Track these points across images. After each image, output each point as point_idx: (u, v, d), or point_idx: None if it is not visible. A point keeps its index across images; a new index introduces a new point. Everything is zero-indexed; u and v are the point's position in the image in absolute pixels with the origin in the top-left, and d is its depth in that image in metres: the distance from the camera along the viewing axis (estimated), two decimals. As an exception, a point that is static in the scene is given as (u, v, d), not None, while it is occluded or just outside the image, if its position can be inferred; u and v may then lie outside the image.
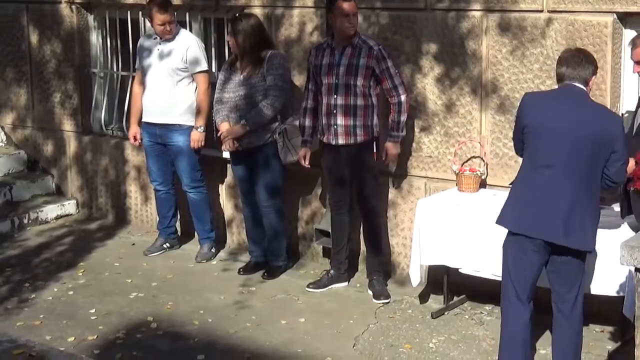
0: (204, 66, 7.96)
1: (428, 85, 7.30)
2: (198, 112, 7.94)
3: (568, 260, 5.48)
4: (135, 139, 8.26)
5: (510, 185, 5.69)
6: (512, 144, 6.92)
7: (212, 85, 7.98)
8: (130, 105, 8.58)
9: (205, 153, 8.26)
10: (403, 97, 7.06)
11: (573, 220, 5.38)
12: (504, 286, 5.60)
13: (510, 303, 5.55)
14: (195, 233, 8.43)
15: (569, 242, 5.40)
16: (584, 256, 5.52)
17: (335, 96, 7.10)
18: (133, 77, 8.59)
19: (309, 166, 7.41)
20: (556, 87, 5.62)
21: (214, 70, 8.45)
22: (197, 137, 7.94)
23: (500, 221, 5.60)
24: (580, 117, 5.35)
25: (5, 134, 10.13)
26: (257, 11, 7.94)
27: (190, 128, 7.94)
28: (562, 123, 5.34)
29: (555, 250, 5.44)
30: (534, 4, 6.75)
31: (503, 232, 6.36)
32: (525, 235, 5.44)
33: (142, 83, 8.14)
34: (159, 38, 7.98)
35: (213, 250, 8.30)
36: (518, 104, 5.62)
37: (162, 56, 7.96)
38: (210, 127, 8.10)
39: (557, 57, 6.60)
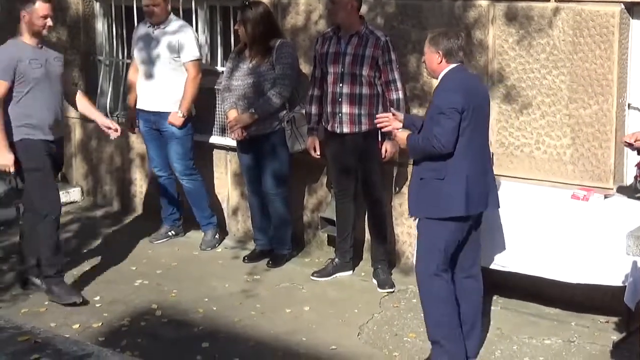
0: (194, 54, 7.94)
1: (434, 74, 7.28)
2: (183, 97, 7.92)
3: (479, 225, 5.94)
4: (132, 126, 8.26)
5: (441, 179, 5.70)
6: (518, 133, 6.95)
7: (204, 72, 8.03)
8: (126, 93, 8.56)
9: (212, 141, 8.26)
10: (401, 94, 7.05)
11: (494, 181, 6.00)
12: (433, 262, 5.76)
13: (442, 276, 5.78)
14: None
15: (498, 203, 6.00)
16: None
17: (340, 85, 7.09)
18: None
19: (319, 156, 7.40)
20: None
21: (220, 58, 8.45)
22: (174, 121, 7.93)
23: (451, 211, 5.68)
24: (482, 88, 6.01)
25: (11, 120, 10.12)
26: (264, -1, 7.93)
27: (184, 116, 7.94)
28: (480, 99, 5.78)
29: (476, 218, 5.88)
30: (541, -6, 6.74)
31: (509, 222, 6.38)
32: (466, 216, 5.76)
33: (137, 71, 8.15)
34: (152, 26, 7.98)
35: (217, 237, 8.30)
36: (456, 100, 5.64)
37: (155, 44, 7.96)
38: (215, 114, 8.12)
39: (563, 48, 6.64)
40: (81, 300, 6.96)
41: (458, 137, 5.59)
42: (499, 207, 6.01)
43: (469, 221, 5.79)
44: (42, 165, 6.90)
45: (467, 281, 5.94)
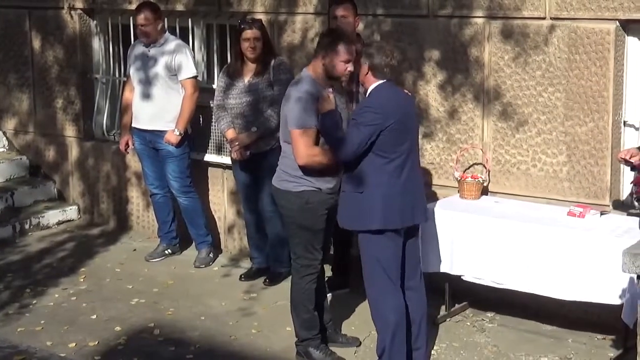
0: (191, 72, 7.96)
1: (431, 91, 7.29)
2: (180, 115, 7.94)
3: (416, 237, 6.05)
4: (126, 146, 8.25)
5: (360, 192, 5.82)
6: (514, 151, 6.95)
7: (200, 90, 8.05)
8: (121, 112, 8.57)
9: (207, 159, 8.25)
10: None
11: (423, 197, 6.08)
12: (377, 279, 5.88)
13: (388, 292, 5.89)
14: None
15: (426, 217, 6.11)
16: None
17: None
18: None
19: None
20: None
21: (216, 76, 8.45)
22: (171, 138, 7.95)
23: (370, 224, 5.79)
24: (408, 107, 5.96)
25: (7, 139, 10.13)
26: (260, 17, 7.93)
27: (180, 134, 7.95)
28: (405, 117, 5.82)
29: (409, 231, 5.94)
30: (536, 11, 6.75)
31: (506, 239, 6.37)
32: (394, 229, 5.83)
33: (133, 90, 8.15)
34: (148, 45, 7.99)
35: (211, 255, 8.29)
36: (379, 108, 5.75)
37: (151, 63, 7.97)
38: (209, 132, 8.10)
39: (559, 65, 6.65)
40: None
41: (367, 152, 5.71)
42: (425, 220, 6.13)
43: (400, 234, 5.86)
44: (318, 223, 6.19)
45: (408, 293, 6.03)
